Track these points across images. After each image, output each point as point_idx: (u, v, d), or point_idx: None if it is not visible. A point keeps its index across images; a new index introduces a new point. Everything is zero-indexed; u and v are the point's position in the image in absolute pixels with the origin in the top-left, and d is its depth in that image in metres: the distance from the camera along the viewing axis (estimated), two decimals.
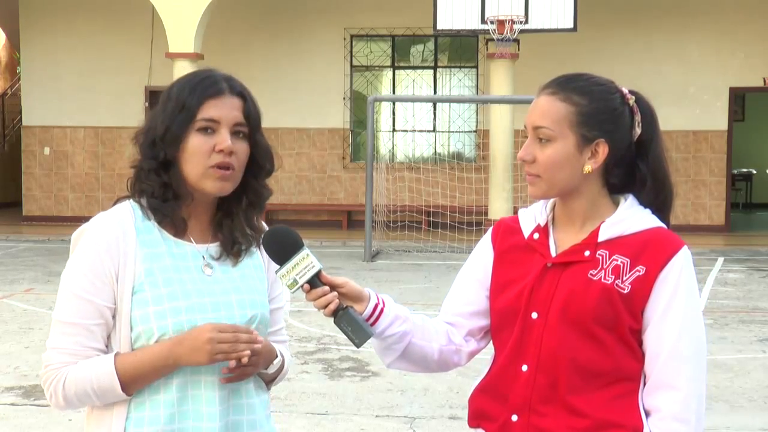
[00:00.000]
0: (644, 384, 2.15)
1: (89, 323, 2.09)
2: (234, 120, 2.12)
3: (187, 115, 2.10)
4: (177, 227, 2.17)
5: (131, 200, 2.17)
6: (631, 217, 2.17)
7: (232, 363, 2.07)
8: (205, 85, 2.13)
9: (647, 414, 2.13)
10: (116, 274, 2.09)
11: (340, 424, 6.09)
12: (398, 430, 5.99)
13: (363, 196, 15.98)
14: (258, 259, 2.27)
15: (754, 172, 22.94)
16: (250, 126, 2.15)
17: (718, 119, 17.77)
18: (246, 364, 2.09)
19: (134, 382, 2.08)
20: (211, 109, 2.11)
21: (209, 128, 2.11)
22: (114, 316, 2.11)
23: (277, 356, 2.24)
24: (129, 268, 2.09)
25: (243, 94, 2.16)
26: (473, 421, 2.28)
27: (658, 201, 2.21)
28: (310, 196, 18.38)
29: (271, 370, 2.23)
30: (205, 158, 2.10)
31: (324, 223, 17.88)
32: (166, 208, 2.14)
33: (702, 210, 17.78)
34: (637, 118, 2.18)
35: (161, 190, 2.13)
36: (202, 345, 2.03)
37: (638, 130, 2.18)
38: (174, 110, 2.11)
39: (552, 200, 2.24)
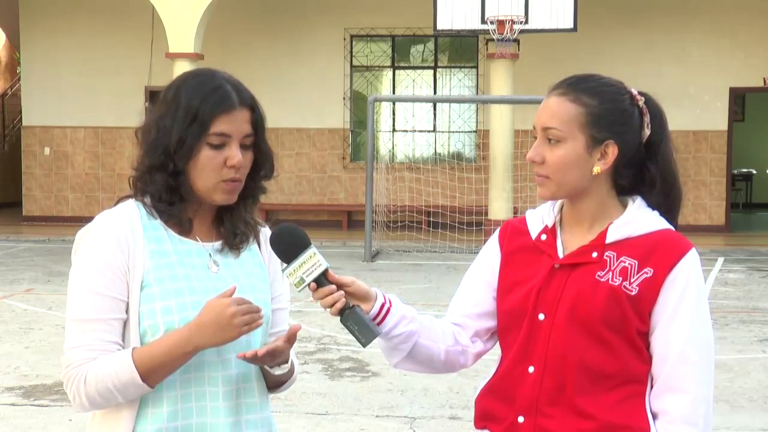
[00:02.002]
0: (651, 386, 2.14)
1: (108, 317, 2.09)
2: (243, 133, 2.13)
3: (199, 127, 2.10)
4: (183, 226, 2.18)
5: (134, 200, 2.17)
6: (639, 218, 2.16)
7: (253, 353, 2.07)
8: (217, 97, 2.11)
9: (654, 417, 2.12)
10: (128, 267, 2.09)
11: (340, 424, 6.09)
12: (398, 430, 5.99)
13: (363, 196, 15.97)
14: (259, 257, 2.27)
15: (754, 172, 22.94)
16: (256, 135, 2.16)
17: (718, 119, 17.77)
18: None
19: (153, 373, 2.06)
20: (223, 125, 2.10)
21: (221, 143, 2.11)
22: (126, 311, 2.11)
23: (289, 357, 2.22)
24: (138, 263, 2.10)
25: (251, 105, 2.16)
26: (479, 422, 2.27)
27: (668, 202, 2.20)
28: (310, 196, 18.37)
29: (278, 372, 2.20)
30: (216, 172, 2.11)
31: (324, 223, 17.87)
32: (173, 210, 2.15)
33: (702, 210, 17.77)
34: (647, 119, 2.18)
35: (167, 195, 2.13)
36: (228, 321, 2.02)
37: (647, 132, 2.18)
38: (185, 120, 2.10)
39: (560, 201, 2.24)
